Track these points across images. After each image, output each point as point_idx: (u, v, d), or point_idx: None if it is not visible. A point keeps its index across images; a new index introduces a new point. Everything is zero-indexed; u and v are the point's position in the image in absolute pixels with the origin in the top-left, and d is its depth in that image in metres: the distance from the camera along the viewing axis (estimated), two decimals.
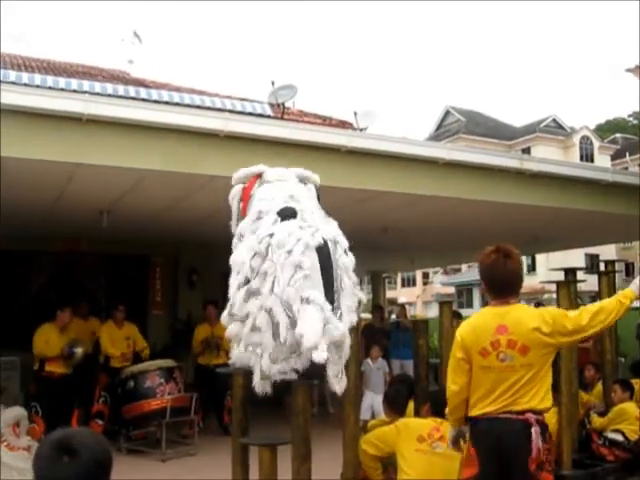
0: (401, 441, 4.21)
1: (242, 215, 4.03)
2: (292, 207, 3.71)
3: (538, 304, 10.07)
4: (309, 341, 3.20)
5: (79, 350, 7.87)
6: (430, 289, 48.32)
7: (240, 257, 3.71)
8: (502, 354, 3.28)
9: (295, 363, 3.37)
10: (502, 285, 3.41)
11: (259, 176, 4.13)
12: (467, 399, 3.45)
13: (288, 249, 3.46)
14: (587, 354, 8.24)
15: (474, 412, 3.40)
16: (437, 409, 4.31)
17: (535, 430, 3.22)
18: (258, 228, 3.74)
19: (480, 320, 3.47)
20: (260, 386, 3.59)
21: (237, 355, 3.61)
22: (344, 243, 3.69)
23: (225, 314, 3.75)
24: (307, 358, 3.31)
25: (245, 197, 4.08)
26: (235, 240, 3.93)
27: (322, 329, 3.26)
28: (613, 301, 3.44)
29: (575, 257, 28.37)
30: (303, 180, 4.19)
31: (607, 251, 29.27)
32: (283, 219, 3.63)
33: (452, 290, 43.24)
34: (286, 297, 3.35)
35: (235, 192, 4.16)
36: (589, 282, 8.62)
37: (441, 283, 45.28)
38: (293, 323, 3.32)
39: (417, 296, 47.93)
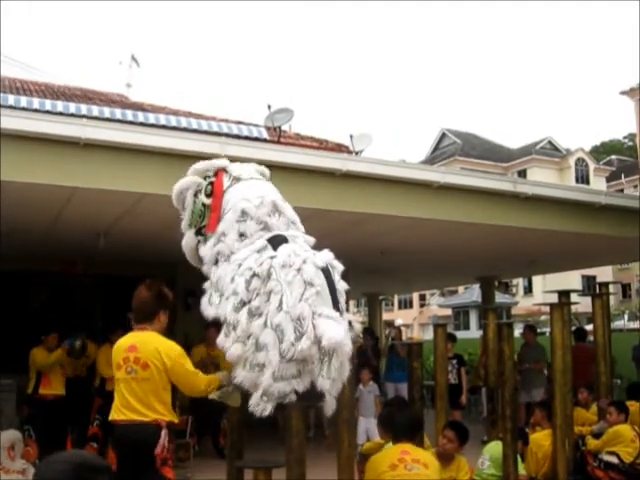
0: (378, 476, 4.26)
1: (213, 209, 4.02)
2: (283, 235, 3.74)
3: (529, 327, 10.07)
4: (332, 337, 3.22)
5: (77, 342, 8.14)
6: (427, 311, 48.23)
7: (227, 276, 3.72)
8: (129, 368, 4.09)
9: (297, 384, 3.34)
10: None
11: (224, 170, 4.12)
12: None
13: (297, 267, 3.45)
14: (582, 376, 8.24)
15: None
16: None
17: None
18: (243, 241, 3.79)
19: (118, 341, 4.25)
20: (259, 407, 3.58)
21: (243, 376, 3.56)
22: (339, 267, 3.72)
23: (221, 336, 3.74)
24: (309, 382, 3.33)
25: (218, 193, 4.05)
26: (213, 240, 3.92)
27: (342, 332, 3.29)
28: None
29: (572, 279, 28.42)
30: (263, 175, 4.23)
31: (604, 273, 29.32)
32: (275, 246, 3.65)
33: (449, 312, 43.16)
34: (298, 312, 3.33)
35: (190, 183, 4.17)
36: (585, 304, 8.67)
37: (438, 305, 45.19)
38: (300, 338, 3.32)
39: (414, 318, 47.86)
